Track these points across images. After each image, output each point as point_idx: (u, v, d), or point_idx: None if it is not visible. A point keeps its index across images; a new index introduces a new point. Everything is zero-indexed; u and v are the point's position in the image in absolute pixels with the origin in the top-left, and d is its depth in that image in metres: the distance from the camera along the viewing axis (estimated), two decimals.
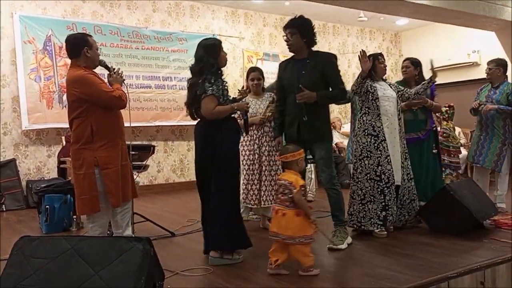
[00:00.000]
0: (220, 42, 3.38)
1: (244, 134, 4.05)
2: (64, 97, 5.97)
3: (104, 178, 3.11)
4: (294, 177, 2.97)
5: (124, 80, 3.38)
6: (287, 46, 3.63)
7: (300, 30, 3.50)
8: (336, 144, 7.79)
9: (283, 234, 2.89)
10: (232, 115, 3.34)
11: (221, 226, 3.18)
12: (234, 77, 8.26)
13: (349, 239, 3.62)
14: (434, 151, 4.55)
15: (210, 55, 3.24)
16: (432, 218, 4.03)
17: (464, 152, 7.58)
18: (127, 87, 3.38)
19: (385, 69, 4.12)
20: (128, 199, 3.34)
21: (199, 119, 3.33)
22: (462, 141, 7.79)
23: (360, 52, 3.82)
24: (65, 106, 3.42)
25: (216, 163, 3.19)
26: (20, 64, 6.25)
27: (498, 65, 4.95)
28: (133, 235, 3.54)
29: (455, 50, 9.12)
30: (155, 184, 7.38)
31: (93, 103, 3.11)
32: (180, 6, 7.70)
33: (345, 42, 9.55)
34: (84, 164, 3.11)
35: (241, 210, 3.75)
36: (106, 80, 3.38)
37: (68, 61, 6.13)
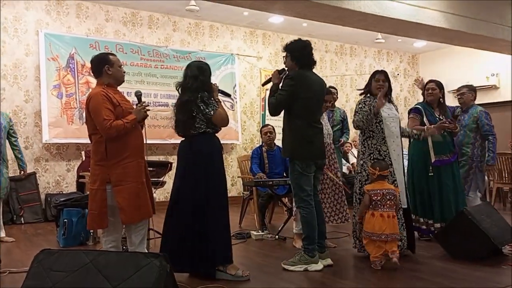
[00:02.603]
0: (209, 67, 3.52)
1: None
2: (84, 114, 6.10)
3: (115, 195, 3.13)
4: (391, 186, 3.68)
5: (145, 116, 3.33)
6: None
7: (290, 53, 3.66)
8: (352, 164, 7.76)
9: (395, 233, 3.55)
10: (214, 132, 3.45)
11: (227, 241, 3.38)
12: (251, 96, 8.35)
13: (311, 267, 3.50)
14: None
15: (206, 79, 3.41)
16: (449, 242, 3.97)
17: None
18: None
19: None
20: (145, 217, 3.33)
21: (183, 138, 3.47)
22: None
23: (381, 91, 3.81)
24: (85, 123, 3.44)
25: (216, 179, 3.36)
26: (43, 81, 6.43)
27: (470, 90, 5.05)
28: (147, 251, 3.56)
29: (474, 72, 9.07)
30: None
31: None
32: (200, 26, 7.86)
33: (362, 63, 9.59)
34: (98, 180, 3.15)
35: None
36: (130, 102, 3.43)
37: (90, 78, 6.40)
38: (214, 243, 3.26)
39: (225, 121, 3.39)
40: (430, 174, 4.38)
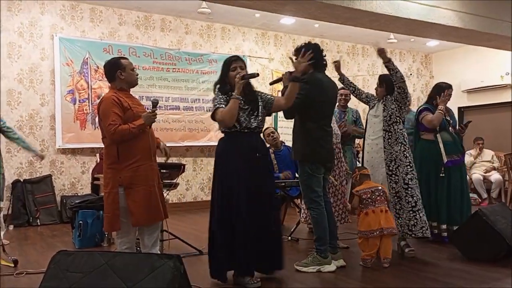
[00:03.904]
0: (231, 60, 3.35)
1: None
2: (97, 119, 6.19)
3: (127, 198, 3.16)
4: (378, 184, 3.83)
5: (152, 121, 3.26)
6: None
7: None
8: None
9: (391, 227, 3.60)
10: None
11: (231, 253, 3.21)
12: None
13: (324, 268, 3.50)
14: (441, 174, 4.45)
15: (221, 73, 3.38)
16: (464, 243, 3.95)
17: (497, 175, 7.42)
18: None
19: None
20: (156, 220, 3.35)
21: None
22: (496, 164, 7.61)
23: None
24: (97, 127, 3.48)
25: (227, 180, 3.24)
26: (58, 85, 6.53)
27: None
28: (159, 253, 3.59)
29: (488, 72, 8.98)
30: (184, 202, 7.48)
31: None
32: (212, 28, 7.90)
33: (374, 64, 9.53)
34: (110, 183, 3.19)
35: None
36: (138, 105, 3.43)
37: (103, 83, 6.47)
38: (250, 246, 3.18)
39: (220, 121, 3.23)
40: (442, 175, 4.35)
